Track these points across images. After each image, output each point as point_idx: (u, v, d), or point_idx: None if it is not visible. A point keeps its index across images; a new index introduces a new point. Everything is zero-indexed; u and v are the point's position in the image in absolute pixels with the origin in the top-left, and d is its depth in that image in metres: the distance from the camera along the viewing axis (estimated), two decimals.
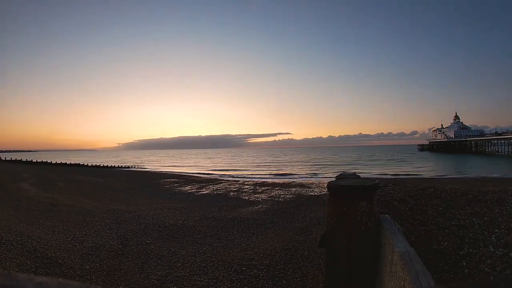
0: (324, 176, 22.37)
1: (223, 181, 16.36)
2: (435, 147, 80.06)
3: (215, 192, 11.53)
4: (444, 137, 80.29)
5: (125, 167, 33.98)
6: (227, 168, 33.86)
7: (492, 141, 60.51)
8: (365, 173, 24.28)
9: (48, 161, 35.68)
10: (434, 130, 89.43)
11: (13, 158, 37.75)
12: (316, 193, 10.43)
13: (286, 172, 27.18)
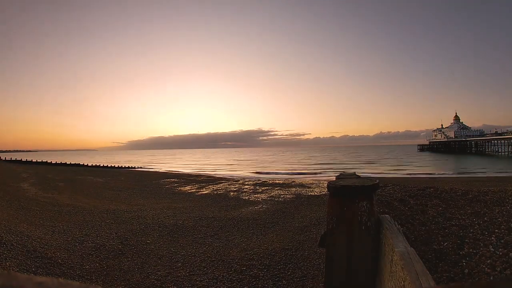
0: (324, 175, 22.37)
1: (223, 181, 16.34)
2: (435, 147, 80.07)
3: (215, 192, 11.53)
4: (444, 137, 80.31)
5: (125, 167, 33.98)
6: (227, 168, 33.94)
7: (492, 141, 60.55)
8: (365, 173, 24.28)
9: (48, 161, 35.65)
10: (434, 130, 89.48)
11: (13, 158, 37.72)
12: (316, 193, 10.43)
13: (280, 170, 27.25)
